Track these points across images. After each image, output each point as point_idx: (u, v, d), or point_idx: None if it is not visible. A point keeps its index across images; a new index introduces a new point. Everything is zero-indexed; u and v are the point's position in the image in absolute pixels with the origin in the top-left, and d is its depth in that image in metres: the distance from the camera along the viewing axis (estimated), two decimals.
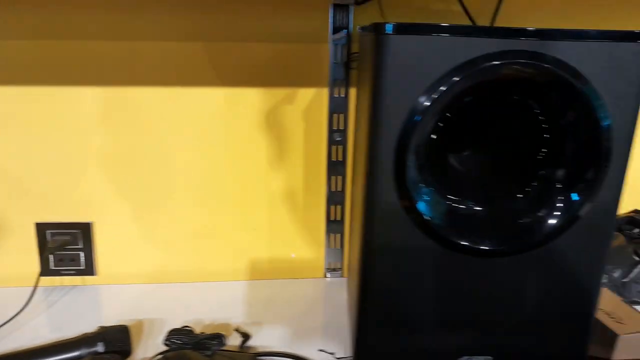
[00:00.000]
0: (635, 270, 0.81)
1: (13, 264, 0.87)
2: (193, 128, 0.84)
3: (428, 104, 0.50)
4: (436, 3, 0.79)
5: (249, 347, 0.71)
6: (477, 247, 0.54)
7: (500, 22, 0.80)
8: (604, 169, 0.53)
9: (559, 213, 0.54)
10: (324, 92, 0.83)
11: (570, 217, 0.54)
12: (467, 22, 0.76)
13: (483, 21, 0.80)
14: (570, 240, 0.55)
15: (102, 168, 0.84)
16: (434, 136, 0.54)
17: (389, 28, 0.49)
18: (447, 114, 0.54)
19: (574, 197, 0.54)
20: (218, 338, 0.63)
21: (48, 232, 0.86)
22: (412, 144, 0.52)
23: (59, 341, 0.64)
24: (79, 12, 0.77)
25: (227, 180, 0.87)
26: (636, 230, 0.89)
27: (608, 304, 0.70)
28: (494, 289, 0.57)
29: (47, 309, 0.80)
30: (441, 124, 0.54)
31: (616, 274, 0.81)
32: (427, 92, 0.50)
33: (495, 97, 0.55)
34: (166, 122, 0.83)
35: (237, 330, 0.73)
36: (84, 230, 0.87)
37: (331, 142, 0.85)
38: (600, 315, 0.67)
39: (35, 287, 0.81)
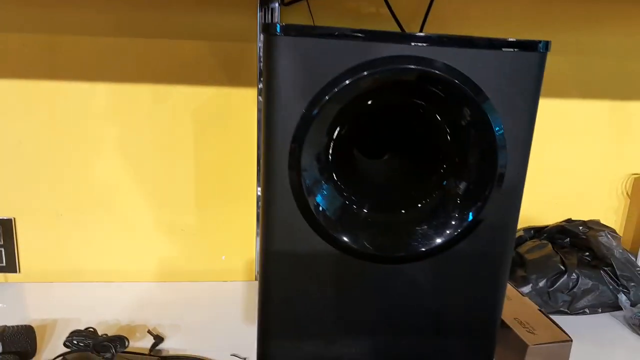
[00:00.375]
0: (561, 280, 0.81)
1: None
2: (119, 124, 0.82)
3: (316, 105, 0.49)
4: (367, 6, 0.79)
5: (160, 350, 0.69)
6: (368, 251, 0.53)
7: (431, 28, 0.79)
8: (498, 178, 0.52)
9: (454, 223, 0.54)
10: (253, 92, 0.82)
11: (465, 228, 0.53)
12: (396, 27, 0.75)
13: (414, 26, 0.79)
14: (470, 248, 0.55)
15: (24, 164, 0.82)
16: (334, 137, 0.53)
17: (278, 29, 0.47)
18: (350, 116, 0.53)
19: (470, 208, 0.54)
20: (120, 340, 0.61)
21: None
22: (306, 142, 0.51)
23: None
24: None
25: (155, 179, 0.85)
26: (567, 240, 0.89)
27: (524, 313, 0.70)
28: (393, 296, 0.56)
29: None
30: (343, 127, 0.53)
31: (541, 283, 0.81)
32: (318, 93, 0.49)
33: (398, 103, 0.54)
34: (89, 118, 0.81)
35: (149, 332, 0.71)
36: (5, 227, 0.84)
37: (260, 143, 0.84)
38: (513, 324, 0.67)
39: None
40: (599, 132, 0.94)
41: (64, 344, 0.62)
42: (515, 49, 0.49)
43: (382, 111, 0.55)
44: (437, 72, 0.48)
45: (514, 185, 0.54)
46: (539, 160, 0.93)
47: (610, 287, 0.82)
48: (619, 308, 0.82)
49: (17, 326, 0.65)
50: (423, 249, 0.54)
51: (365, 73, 0.47)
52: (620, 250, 0.85)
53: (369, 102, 0.53)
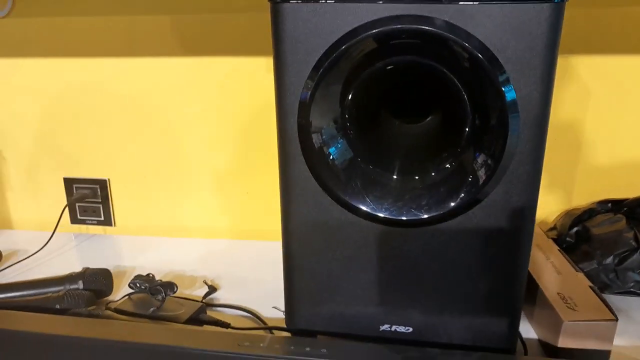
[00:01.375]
0: (632, 258, 0.74)
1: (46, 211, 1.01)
2: (199, 95, 0.90)
3: (320, 69, 0.50)
4: None
5: (212, 299, 0.77)
6: (379, 214, 0.54)
7: None
8: (509, 145, 0.49)
9: (465, 192, 0.52)
10: None
11: (477, 197, 0.52)
12: None
13: None
14: (484, 217, 0.53)
15: (115, 131, 0.95)
16: (349, 99, 0.54)
17: None
18: (362, 79, 0.54)
19: (483, 177, 0.52)
20: (170, 286, 0.69)
21: (74, 185, 0.99)
22: (315, 107, 0.53)
23: (49, 277, 0.75)
24: None
25: (225, 147, 0.93)
26: None
27: (571, 289, 0.65)
28: (403, 260, 0.56)
29: (65, 252, 0.93)
30: (356, 89, 0.54)
31: (608, 260, 0.74)
32: (321, 57, 0.50)
33: (411, 64, 0.53)
34: (168, 91, 0.90)
35: (205, 282, 0.79)
36: (101, 186, 0.98)
37: None
38: (554, 299, 0.63)
39: (53, 232, 0.94)
40: None
41: (129, 285, 0.72)
42: (526, 2, 0.45)
43: (397, 73, 0.55)
44: (436, 30, 0.47)
45: (531, 151, 0.50)
46: (625, 120, 0.84)
47: None
48: None
49: (97, 269, 0.77)
50: (429, 215, 0.53)
51: (361, 36, 0.48)
52: None
53: (381, 65, 0.53)
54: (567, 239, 0.80)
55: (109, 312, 0.66)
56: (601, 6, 0.79)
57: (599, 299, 0.63)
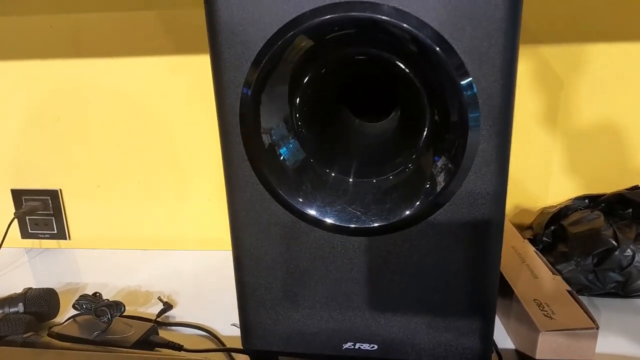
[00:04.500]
0: (611, 257, 0.70)
1: None
2: (146, 97, 0.85)
3: (259, 64, 0.45)
4: None
5: (168, 317, 0.71)
6: (329, 220, 0.49)
7: None
8: (469, 141, 0.45)
9: (426, 192, 0.47)
10: None
11: (438, 198, 0.47)
12: None
13: None
14: (447, 219, 0.48)
15: (64, 139, 0.88)
16: (298, 96, 0.49)
17: None
18: (313, 74, 0.49)
19: (444, 176, 0.47)
20: (116, 305, 0.64)
21: (23, 197, 0.92)
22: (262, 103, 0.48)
23: None
24: None
25: (181, 151, 0.87)
26: (629, 211, 0.76)
27: (548, 295, 0.61)
28: (372, 271, 0.52)
29: (13, 269, 0.87)
30: (304, 87, 0.49)
31: (586, 260, 0.70)
32: (265, 50, 0.45)
33: (362, 60, 0.48)
34: (118, 92, 0.85)
35: (159, 298, 0.73)
36: (52, 197, 0.92)
37: None
38: (530, 307, 0.59)
39: None
40: None
41: (73, 306, 0.66)
42: None
43: (349, 68, 0.50)
44: (382, 18, 0.42)
45: (495, 149, 0.46)
46: (604, 115, 0.80)
47: None
48: None
49: (41, 289, 0.71)
50: (388, 222, 0.48)
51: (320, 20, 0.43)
52: None
53: (326, 60, 0.48)
54: (544, 238, 0.76)
55: (47, 339, 0.60)
56: None
57: (577, 305, 0.59)
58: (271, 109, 0.48)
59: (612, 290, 0.70)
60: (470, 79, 0.43)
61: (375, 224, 0.49)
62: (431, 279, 0.51)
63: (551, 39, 0.76)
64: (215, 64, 0.47)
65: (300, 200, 0.49)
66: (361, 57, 0.47)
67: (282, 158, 0.49)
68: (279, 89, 0.46)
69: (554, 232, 0.76)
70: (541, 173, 0.84)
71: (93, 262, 0.89)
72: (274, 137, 0.50)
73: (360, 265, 0.51)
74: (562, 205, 0.78)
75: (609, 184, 0.81)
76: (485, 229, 0.48)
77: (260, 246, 0.52)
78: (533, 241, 0.76)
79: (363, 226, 0.49)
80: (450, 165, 0.47)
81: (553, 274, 0.66)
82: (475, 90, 0.44)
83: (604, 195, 0.79)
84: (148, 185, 0.90)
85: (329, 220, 0.49)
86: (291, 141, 0.50)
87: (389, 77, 0.50)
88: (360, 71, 0.51)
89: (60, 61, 0.84)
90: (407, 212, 0.48)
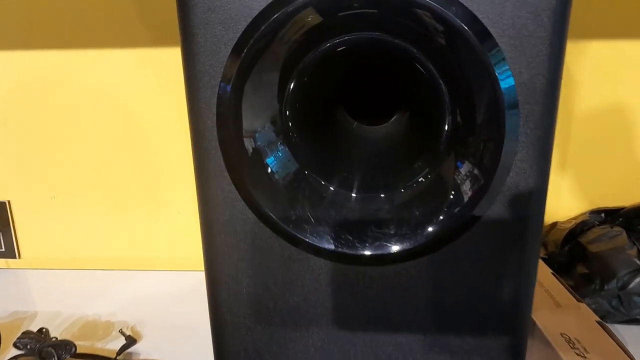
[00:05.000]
0: (638, 280, 0.62)
1: None
2: (107, 98, 0.74)
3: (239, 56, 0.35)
4: None
5: (131, 354, 0.61)
6: (330, 247, 0.39)
7: None
8: (504, 146, 0.36)
9: (446, 215, 0.38)
10: None
11: (460, 222, 0.38)
12: None
13: None
14: (469, 246, 0.39)
15: (12, 145, 0.77)
16: (288, 95, 0.40)
17: None
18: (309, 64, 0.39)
19: (471, 191, 0.38)
20: (66, 346, 0.53)
21: None
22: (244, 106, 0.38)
23: None
24: None
25: (150, 159, 0.77)
26: None
27: (576, 327, 0.52)
28: (380, 307, 0.42)
29: None
30: (298, 79, 0.39)
31: (610, 284, 0.62)
32: (249, 31, 0.36)
33: (371, 46, 0.39)
34: (76, 92, 0.74)
35: (121, 331, 0.63)
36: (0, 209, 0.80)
37: None
38: (558, 344, 0.50)
39: None
40: None
41: (14, 345, 0.55)
42: None
43: (354, 57, 0.41)
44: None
45: (535, 160, 0.37)
46: (618, 119, 0.72)
47: None
48: None
49: None
50: (401, 248, 0.39)
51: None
52: None
53: (329, 46, 0.38)
54: (559, 258, 0.68)
55: None
56: None
57: (612, 340, 0.50)
58: (256, 105, 0.39)
59: (638, 317, 0.62)
60: (508, 69, 0.35)
61: (390, 249, 0.39)
62: (452, 317, 0.42)
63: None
64: (186, 50, 0.37)
65: (293, 221, 0.40)
66: (370, 44, 0.38)
67: (269, 170, 0.39)
68: (267, 79, 0.37)
69: (571, 250, 0.68)
70: (551, 183, 0.76)
71: (46, 285, 0.77)
72: (259, 143, 0.40)
73: (367, 301, 0.41)
74: (579, 221, 0.70)
75: (624, 196, 0.74)
76: (520, 255, 0.40)
77: (241, 278, 0.42)
78: (547, 261, 0.68)
79: (374, 252, 0.40)
80: (477, 173, 0.38)
81: (578, 301, 0.58)
82: (513, 83, 0.35)
83: (622, 208, 0.71)
84: (111, 197, 0.79)
85: (328, 246, 0.39)
86: (280, 148, 0.41)
87: (400, 68, 0.41)
88: (366, 62, 0.42)
89: (8, 53, 0.73)
90: (429, 230, 0.39)
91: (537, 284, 0.61)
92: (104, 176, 0.78)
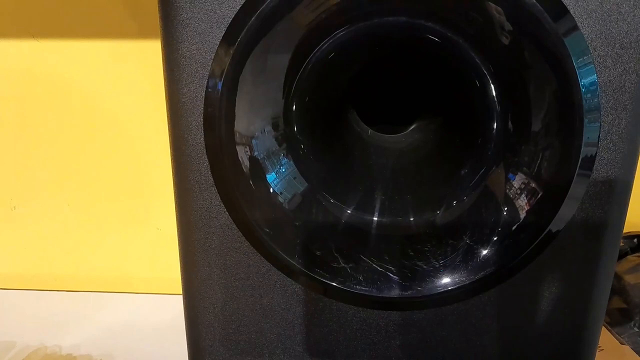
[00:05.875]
0: None
1: None
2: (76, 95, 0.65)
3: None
4: None
5: None
6: (343, 286, 0.30)
7: None
8: (582, 164, 0.28)
9: (500, 238, 0.30)
10: None
11: (517, 251, 0.29)
12: None
13: None
14: (540, 278, 0.31)
15: None
16: (291, 96, 0.31)
17: None
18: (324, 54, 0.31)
19: (531, 214, 0.30)
20: None
21: None
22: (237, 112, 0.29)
23: None
24: None
25: (122, 164, 0.68)
26: None
27: None
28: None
29: None
30: (309, 71, 0.31)
31: None
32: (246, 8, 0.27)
33: (402, 33, 0.31)
34: (39, 90, 0.65)
35: None
36: None
37: None
38: None
39: None
40: None
41: None
42: None
43: (377, 49, 0.32)
44: None
45: (616, 176, 0.29)
46: None
47: None
48: None
49: None
50: (443, 288, 0.30)
51: None
52: None
53: (351, 32, 0.30)
54: None
55: None
56: None
57: None
58: (254, 102, 0.30)
59: None
60: (591, 62, 0.26)
61: (421, 293, 0.30)
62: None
63: None
64: (166, 40, 0.29)
65: (306, 259, 0.31)
66: (400, 31, 0.30)
67: (271, 190, 0.30)
68: (271, 66, 0.28)
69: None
70: None
71: (3, 308, 0.68)
72: (256, 153, 0.32)
73: (390, 350, 0.32)
74: None
75: None
76: (589, 293, 0.31)
77: (231, 320, 0.33)
78: None
79: (397, 295, 0.31)
80: (533, 185, 0.30)
81: (620, 343, 0.50)
82: (595, 79, 0.27)
83: None
84: (80, 208, 0.69)
85: (349, 289, 0.30)
86: (283, 161, 0.32)
87: (434, 65, 0.33)
88: (392, 57, 0.34)
89: None
90: (482, 258, 0.30)
91: None
92: (71, 184, 0.68)
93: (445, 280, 0.30)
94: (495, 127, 0.32)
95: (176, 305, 0.66)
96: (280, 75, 0.28)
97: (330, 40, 0.28)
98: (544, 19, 0.26)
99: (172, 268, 0.70)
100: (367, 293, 0.30)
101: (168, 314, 0.66)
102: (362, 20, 0.27)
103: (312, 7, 0.26)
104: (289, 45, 0.27)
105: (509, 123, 0.31)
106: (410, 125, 0.40)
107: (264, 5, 0.26)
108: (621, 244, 0.64)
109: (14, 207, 0.70)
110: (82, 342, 0.60)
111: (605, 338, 0.51)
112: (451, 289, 0.29)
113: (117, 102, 0.65)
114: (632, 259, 0.61)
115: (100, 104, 0.65)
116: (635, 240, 0.65)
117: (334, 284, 0.31)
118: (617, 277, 0.59)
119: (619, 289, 0.59)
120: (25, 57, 0.64)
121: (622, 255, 0.63)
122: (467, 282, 0.29)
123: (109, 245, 0.71)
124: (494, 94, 0.31)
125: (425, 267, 0.30)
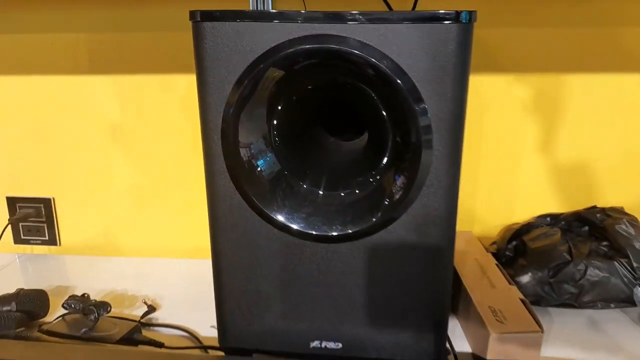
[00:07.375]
0: (565, 270, 0.75)
1: None
2: (151, 111, 0.90)
3: (240, 86, 0.51)
4: None
5: (151, 318, 0.76)
6: (301, 228, 0.54)
7: (423, 5, 0.77)
8: (422, 163, 0.51)
9: (385, 209, 0.53)
10: None
11: (395, 213, 0.53)
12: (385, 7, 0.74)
13: (409, 4, 0.77)
14: (402, 235, 0.54)
15: (60, 149, 0.93)
16: (276, 116, 0.55)
17: (199, 16, 0.50)
18: (288, 97, 0.55)
19: (402, 194, 0.53)
20: (103, 305, 0.68)
21: (17, 205, 0.97)
22: (240, 126, 0.53)
23: None
24: None
25: (178, 163, 0.92)
26: (585, 229, 0.82)
27: (502, 302, 0.66)
28: (337, 276, 0.57)
29: (5, 273, 0.91)
30: (282, 108, 0.55)
31: (542, 272, 0.76)
32: (245, 73, 0.51)
33: (334, 85, 0.54)
34: (117, 108, 0.90)
35: (144, 301, 0.78)
36: (45, 205, 0.96)
37: None
38: (484, 313, 0.64)
39: None
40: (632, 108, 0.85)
41: (62, 306, 0.70)
42: (435, 22, 0.47)
43: (325, 92, 0.56)
44: (345, 49, 0.48)
45: (447, 170, 0.51)
46: (569, 144, 0.86)
47: (626, 280, 0.75)
48: (635, 304, 0.75)
49: (32, 290, 0.75)
50: (352, 230, 0.54)
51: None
52: None
53: (300, 85, 0.54)
54: (506, 252, 0.82)
55: (38, 334, 0.65)
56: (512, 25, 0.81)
57: (527, 312, 0.64)
58: (250, 127, 0.54)
59: (567, 302, 0.76)
60: (424, 104, 0.49)
61: (337, 232, 0.54)
62: (390, 284, 0.56)
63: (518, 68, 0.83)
64: (200, 85, 0.53)
65: (273, 208, 0.55)
66: (333, 84, 0.53)
67: (258, 170, 0.54)
68: (257, 111, 0.52)
69: (516, 247, 0.82)
70: (502, 194, 0.90)
71: (82, 267, 0.93)
72: (252, 151, 0.55)
73: (326, 270, 0.56)
74: (525, 223, 0.84)
75: (571, 204, 0.88)
76: (439, 239, 0.54)
77: (236, 251, 0.57)
78: (496, 255, 0.82)
79: (326, 234, 0.54)
80: (407, 182, 0.53)
81: (509, 284, 0.71)
82: (429, 114, 0.49)
83: (563, 214, 0.85)
84: (135, 197, 0.95)
85: (295, 227, 0.54)
86: (268, 155, 0.56)
87: (359, 101, 0.56)
88: (334, 95, 0.57)
89: (55, 77, 0.89)
90: (367, 224, 0.53)
91: (481, 271, 0.75)
92: (137, 180, 0.93)
93: (339, 231, 0.53)
94: (390, 140, 0.54)
95: (205, 266, 0.90)
96: (262, 117, 0.52)
97: (285, 98, 0.52)
98: (399, 86, 0.49)
99: (204, 239, 0.94)
100: (310, 231, 0.54)
101: (200, 271, 0.90)
102: (296, 86, 0.51)
103: (265, 86, 0.50)
104: (263, 102, 0.51)
105: (398, 138, 0.54)
106: (359, 136, 0.63)
107: (247, 79, 0.50)
108: (535, 221, 0.85)
109: (92, 194, 0.95)
110: (141, 288, 0.85)
111: (500, 282, 0.72)
112: (351, 231, 0.53)
113: (154, 124, 0.89)
114: (537, 231, 0.82)
115: (140, 126, 0.89)
116: (548, 218, 0.86)
117: (294, 226, 0.55)
118: (524, 243, 0.81)
119: (523, 251, 0.80)
120: (76, 89, 0.88)
121: (534, 228, 0.84)
122: (359, 229, 0.53)
123: (156, 223, 0.95)
124: (388, 119, 0.54)
125: (343, 220, 0.54)
